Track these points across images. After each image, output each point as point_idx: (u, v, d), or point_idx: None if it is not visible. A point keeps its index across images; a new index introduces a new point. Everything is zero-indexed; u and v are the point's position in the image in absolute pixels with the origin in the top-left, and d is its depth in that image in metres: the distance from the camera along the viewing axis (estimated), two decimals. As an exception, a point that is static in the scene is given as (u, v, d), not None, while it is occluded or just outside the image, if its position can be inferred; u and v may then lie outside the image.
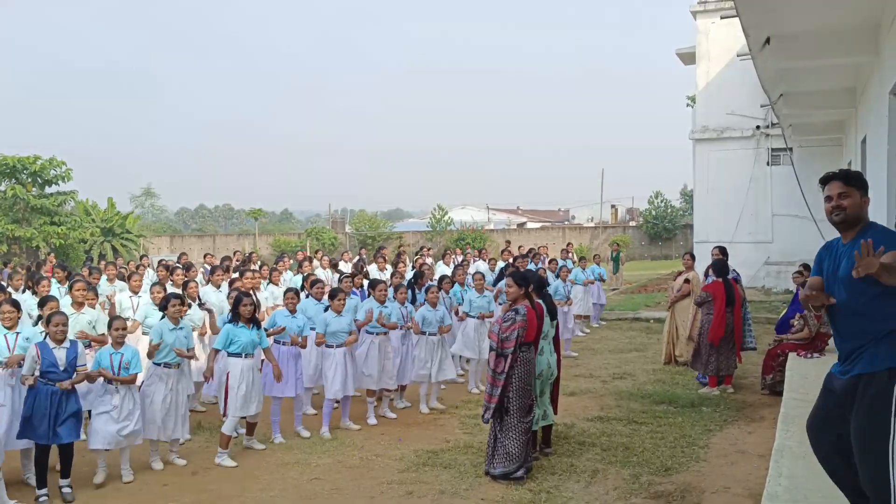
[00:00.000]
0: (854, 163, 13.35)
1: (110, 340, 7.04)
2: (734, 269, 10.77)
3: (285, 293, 8.57)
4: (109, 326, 7.09)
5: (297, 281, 12.31)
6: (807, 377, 7.98)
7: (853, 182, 3.86)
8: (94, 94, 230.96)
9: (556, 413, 7.46)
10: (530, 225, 57.08)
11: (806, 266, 11.38)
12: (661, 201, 44.97)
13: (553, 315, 7.25)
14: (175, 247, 46.16)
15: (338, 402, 8.48)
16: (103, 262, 14.79)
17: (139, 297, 9.66)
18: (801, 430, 5.96)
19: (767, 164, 21.68)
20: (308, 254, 18.58)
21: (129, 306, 9.45)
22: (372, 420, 8.69)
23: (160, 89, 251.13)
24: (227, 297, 8.58)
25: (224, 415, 7.42)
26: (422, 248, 23.14)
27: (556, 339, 7.42)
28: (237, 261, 15.72)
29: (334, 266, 15.69)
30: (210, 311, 9.05)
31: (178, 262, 13.78)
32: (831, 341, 9.14)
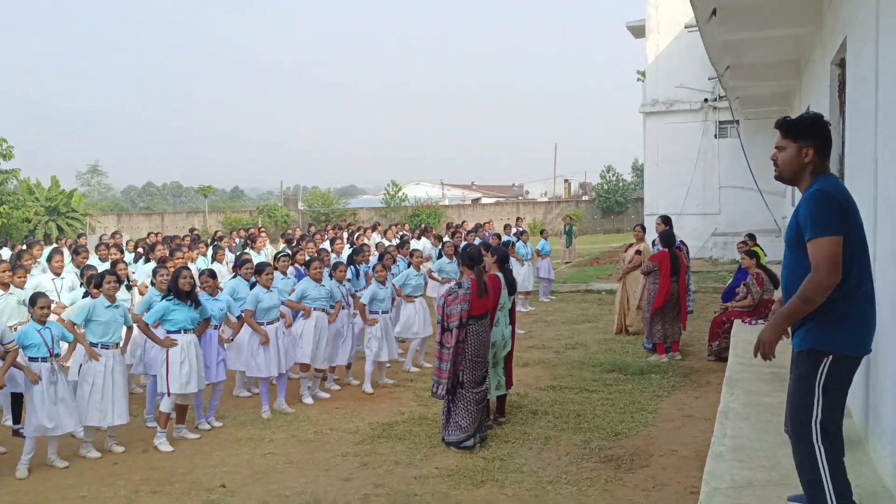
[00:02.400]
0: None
1: (30, 319, 6.82)
2: (680, 240, 10.96)
3: (200, 275, 8.22)
4: (33, 304, 6.68)
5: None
6: (751, 343, 8.12)
7: (789, 133, 3.56)
8: (36, 68, 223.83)
9: (511, 384, 7.54)
10: (485, 200, 57.20)
11: (751, 236, 11.66)
12: (613, 175, 45.46)
13: (511, 289, 7.30)
14: (122, 225, 45.20)
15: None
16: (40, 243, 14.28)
17: (62, 279, 9.10)
18: (745, 393, 6.14)
19: (715, 136, 22.02)
20: (259, 230, 18.36)
21: (51, 289, 8.65)
22: (308, 399, 8.51)
23: (106, 62, 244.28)
24: (154, 276, 8.21)
25: (168, 393, 7.09)
26: (375, 224, 23.05)
27: (512, 313, 7.47)
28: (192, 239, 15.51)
29: (288, 241, 15.59)
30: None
31: (107, 241, 13.52)
32: (775, 308, 9.37)
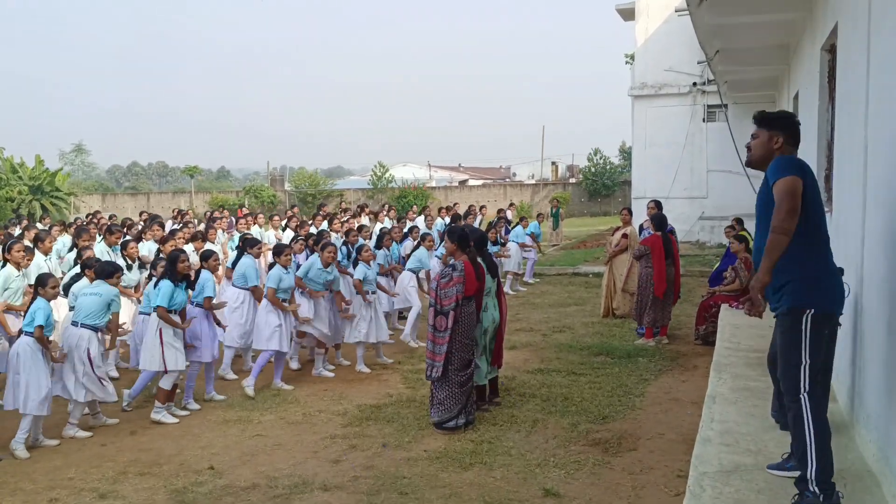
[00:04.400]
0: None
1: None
2: (671, 226, 10.98)
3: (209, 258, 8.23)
4: (43, 284, 6.68)
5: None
6: (738, 327, 8.24)
7: (761, 123, 4.01)
8: (18, 44, 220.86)
9: (500, 366, 7.56)
10: (472, 182, 57.06)
11: (738, 220, 11.70)
12: (601, 158, 45.41)
13: (493, 272, 7.30)
14: (107, 205, 44.80)
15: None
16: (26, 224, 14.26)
17: (49, 259, 9.27)
18: (732, 378, 6.18)
19: (703, 120, 22.02)
20: (247, 210, 18.21)
21: (48, 270, 8.75)
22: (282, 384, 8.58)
23: (90, 38, 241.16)
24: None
25: (166, 370, 7.21)
26: (362, 206, 22.94)
27: (499, 294, 7.47)
28: (180, 220, 15.46)
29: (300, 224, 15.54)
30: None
31: (114, 223, 13.53)
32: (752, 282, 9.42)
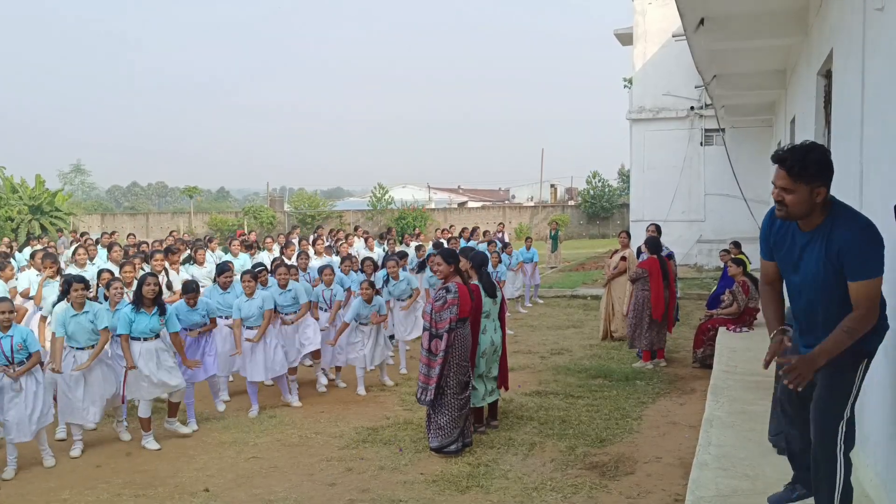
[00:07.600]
0: (784, 143, 13.73)
1: None
2: (667, 247, 11.00)
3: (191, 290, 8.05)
4: None
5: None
6: (735, 350, 8.25)
7: (801, 177, 3.29)
8: (20, 67, 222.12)
9: (506, 388, 7.56)
10: (471, 204, 57.18)
11: (736, 244, 11.72)
12: (599, 181, 45.61)
13: (491, 293, 7.24)
14: (106, 225, 44.86)
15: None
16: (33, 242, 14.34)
17: (38, 275, 9.37)
18: (729, 401, 6.18)
19: (701, 144, 22.13)
20: (245, 233, 18.20)
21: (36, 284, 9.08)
22: (292, 399, 8.60)
23: (91, 58, 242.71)
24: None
25: (123, 401, 7.10)
26: (356, 229, 22.98)
27: (501, 316, 7.45)
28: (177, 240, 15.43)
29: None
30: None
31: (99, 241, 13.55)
32: (760, 316, 9.44)
